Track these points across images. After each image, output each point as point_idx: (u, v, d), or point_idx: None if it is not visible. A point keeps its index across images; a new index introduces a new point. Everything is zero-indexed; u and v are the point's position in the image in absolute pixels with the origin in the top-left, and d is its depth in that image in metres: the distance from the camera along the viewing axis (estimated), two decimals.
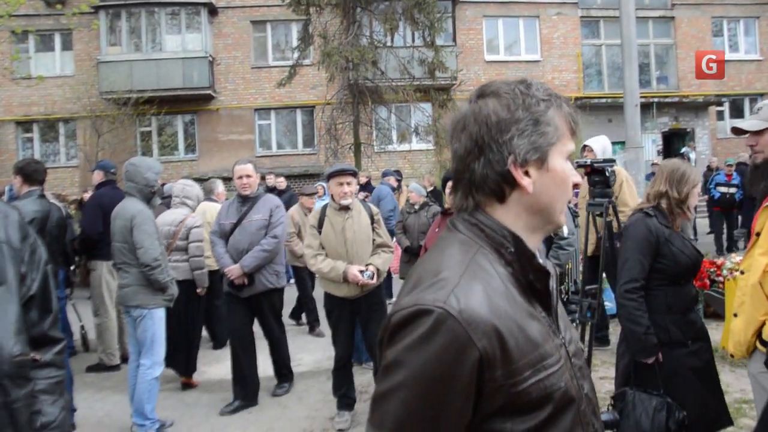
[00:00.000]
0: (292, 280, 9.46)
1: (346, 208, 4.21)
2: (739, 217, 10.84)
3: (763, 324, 2.31)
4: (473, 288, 0.95)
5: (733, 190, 10.61)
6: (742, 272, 2.48)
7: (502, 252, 1.02)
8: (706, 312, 5.79)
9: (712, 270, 6.08)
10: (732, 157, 12.55)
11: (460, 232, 1.06)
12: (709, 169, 13.22)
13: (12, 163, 9.99)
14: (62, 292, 5.64)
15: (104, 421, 4.55)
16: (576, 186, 1.11)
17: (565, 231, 4.27)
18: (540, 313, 1.03)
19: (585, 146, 5.36)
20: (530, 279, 1.03)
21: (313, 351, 6.18)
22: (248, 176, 4.66)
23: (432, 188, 10.73)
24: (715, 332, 4.23)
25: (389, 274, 7.47)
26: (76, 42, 16.74)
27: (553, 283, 1.10)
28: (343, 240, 4.17)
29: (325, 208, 4.33)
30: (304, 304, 7.08)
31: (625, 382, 2.86)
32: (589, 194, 4.20)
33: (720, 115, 19.00)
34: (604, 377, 4.68)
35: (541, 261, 1.07)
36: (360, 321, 4.36)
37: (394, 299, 7.51)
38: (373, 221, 4.33)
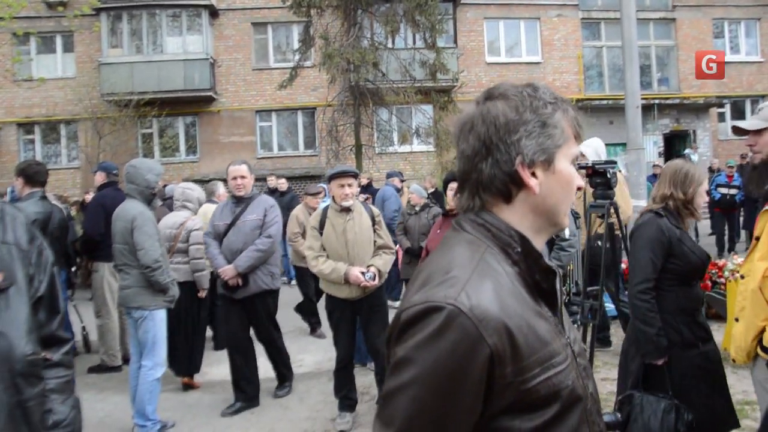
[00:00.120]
0: (293, 281, 9.50)
1: (347, 210, 4.21)
2: (741, 219, 10.84)
3: (763, 330, 2.31)
4: (484, 285, 0.95)
5: (733, 191, 10.62)
6: (742, 276, 2.48)
7: (509, 252, 1.03)
8: (708, 313, 5.78)
9: (713, 271, 6.08)
10: (732, 158, 12.56)
11: (466, 232, 1.06)
12: (711, 170, 13.22)
13: (13, 164, 10.02)
14: (64, 293, 5.65)
15: (106, 422, 4.55)
16: (578, 189, 1.12)
17: (567, 233, 4.27)
18: (546, 312, 1.04)
19: None
20: (537, 279, 1.04)
21: (314, 352, 6.18)
22: (242, 177, 4.64)
23: (433, 190, 10.72)
24: (716, 333, 4.22)
25: (390, 275, 7.46)
26: (77, 44, 16.76)
27: (558, 283, 1.11)
28: (344, 241, 4.17)
29: (326, 209, 4.33)
30: (308, 304, 7.01)
31: (635, 385, 2.83)
32: (592, 196, 4.20)
33: (721, 117, 18.98)
34: (605, 378, 4.67)
35: (547, 261, 1.08)
36: (361, 322, 4.36)
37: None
38: (374, 223, 4.33)
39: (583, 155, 5.24)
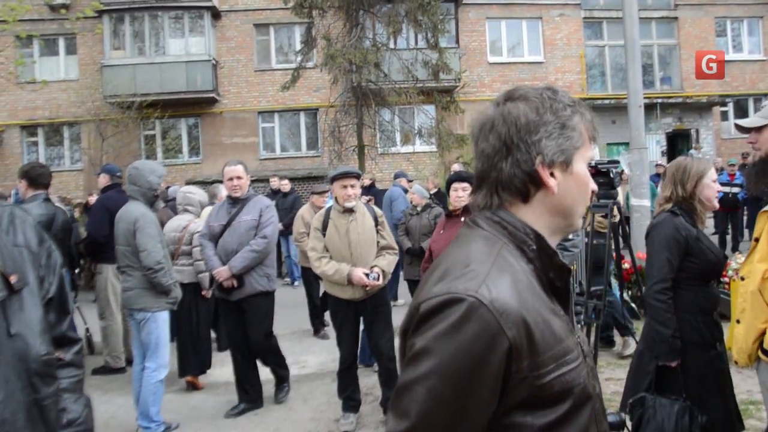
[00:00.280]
0: (296, 282, 9.51)
1: (350, 211, 4.21)
2: (744, 217, 10.80)
3: (764, 332, 2.30)
4: (503, 279, 0.97)
5: (735, 189, 10.60)
6: (742, 278, 2.47)
7: (524, 249, 1.05)
8: None
9: None
10: (735, 157, 12.52)
11: (482, 229, 1.08)
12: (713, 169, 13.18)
13: (17, 167, 10.03)
14: None
15: (110, 423, 4.56)
16: (592, 193, 1.15)
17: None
18: (559, 310, 1.06)
19: None
20: (551, 276, 1.06)
21: (317, 353, 6.18)
22: (239, 178, 4.61)
23: (436, 190, 10.71)
24: None
25: (394, 275, 7.46)
26: (80, 46, 16.79)
27: (571, 282, 1.12)
28: (347, 242, 4.17)
29: (328, 210, 4.33)
30: (312, 305, 6.98)
31: (650, 386, 2.79)
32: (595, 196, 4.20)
33: (724, 116, 18.92)
34: (609, 378, 4.67)
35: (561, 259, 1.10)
36: (365, 323, 4.36)
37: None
38: (377, 223, 4.32)
39: None
